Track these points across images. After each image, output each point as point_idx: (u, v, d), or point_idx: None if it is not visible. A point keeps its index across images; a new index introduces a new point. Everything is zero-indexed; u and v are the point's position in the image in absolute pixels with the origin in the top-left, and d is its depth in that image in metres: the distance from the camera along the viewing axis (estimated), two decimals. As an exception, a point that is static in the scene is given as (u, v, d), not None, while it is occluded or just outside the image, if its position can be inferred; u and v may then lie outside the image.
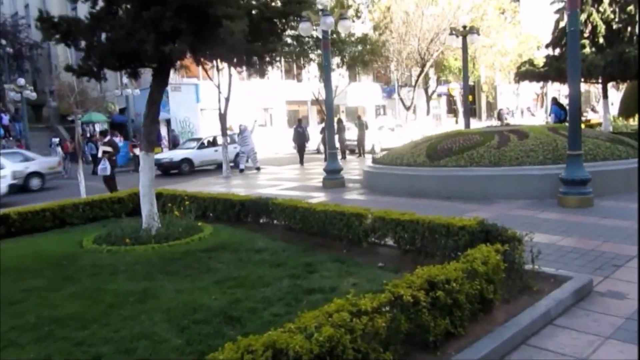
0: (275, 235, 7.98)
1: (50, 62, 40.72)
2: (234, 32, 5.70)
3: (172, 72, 22.65)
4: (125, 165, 27.34)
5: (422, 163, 11.82)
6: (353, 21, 21.99)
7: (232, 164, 22.24)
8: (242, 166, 21.04)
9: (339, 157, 22.43)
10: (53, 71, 41.15)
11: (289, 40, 20.47)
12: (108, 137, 15.40)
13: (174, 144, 30.64)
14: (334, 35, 20.72)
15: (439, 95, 46.55)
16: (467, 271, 4.31)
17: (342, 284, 5.43)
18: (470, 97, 47.53)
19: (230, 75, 19.34)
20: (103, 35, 6.62)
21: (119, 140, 28.59)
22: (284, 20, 7.47)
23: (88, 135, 31.15)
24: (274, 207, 8.27)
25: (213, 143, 24.41)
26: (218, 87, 19.87)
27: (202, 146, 24.14)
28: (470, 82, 44.55)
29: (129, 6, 6.33)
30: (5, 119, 30.47)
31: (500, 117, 33.93)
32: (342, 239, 7.20)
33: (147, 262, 6.38)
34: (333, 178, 13.83)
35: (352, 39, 21.99)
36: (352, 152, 24.71)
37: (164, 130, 31.86)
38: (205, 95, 30.49)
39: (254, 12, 6.83)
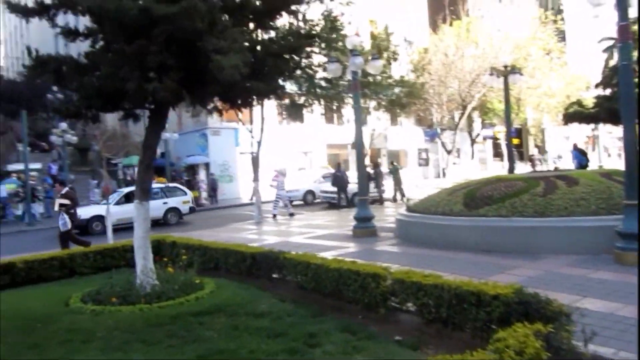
0: (286, 294, 7.05)
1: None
2: (224, 68, 4.98)
3: (211, 115, 22.33)
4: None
5: (459, 212, 10.70)
6: (390, 63, 21.43)
7: (161, 220, 20.16)
8: (275, 211, 20.27)
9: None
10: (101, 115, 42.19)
11: (323, 83, 20.00)
12: (66, 189, 13.16)
13: (212, 188, 30.35)
14: (369, 78, 20.14)
15: (484, 139, 45.09)
16: (495, 366, 3.26)
17: (347, 365, 4.45)
18: (517, 140, 45.86)
19: (262, 119, 18.87)
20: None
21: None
22: (293, 57, 6.72)
23: (129, 178, 31.20)
24: (286, 262, 7.36)
25: None
26: (250, 131, 19.40)
27: (120, 201, 19.94)
28: (517, 125, 42.99)
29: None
30: (54, 169, 30.92)
31: (532, 162, 31.67)
32: (358, 302, 6.20)
33: (129, 327, 5.55)
34: (363, 227, 12.83)
35: (389, 81, 21.27)
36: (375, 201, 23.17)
37: (202, 174, 31.72)
38: (245, 139, 30.13)
39: (258, 47, 6.13)
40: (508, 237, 9.56)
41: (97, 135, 30.64)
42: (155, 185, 22.73)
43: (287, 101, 21.04)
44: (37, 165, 29.12)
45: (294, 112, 21.40)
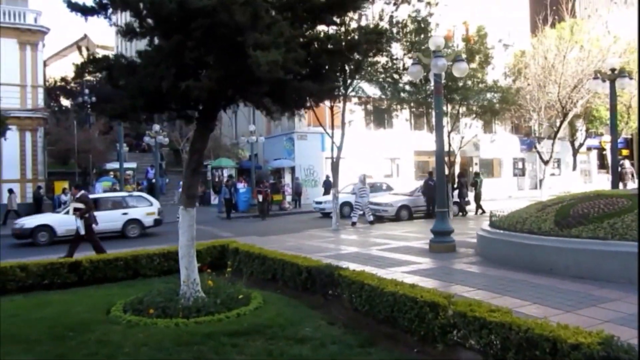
0: (338, 315, 6.37)
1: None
2: (261, 65, 4.41)
3: (298, 120, 21.82)
4: (246, 211, 27.31)
5: (549, 231, 9.47)
6: (483, 67, 20.05)
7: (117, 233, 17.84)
8: (354, 219, 19.62)
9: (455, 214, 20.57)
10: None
11: (408, 88, 19.09)
12: (81, 192, 12.59)
13: (296, 192, 30.19)
14: (459, 82, 18.95)
15: (589, 149, 41.66)
16: None
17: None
18: (626, 152, 41.90)
19: (342, 123, 18.29)
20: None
21: (242, 185, 28.77)
22: (355, 55, 6.01)
23: (216, 179, 31.88)
24: (340, 280, 6.68)
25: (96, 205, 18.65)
26: (331, 136, 18.87)
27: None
28: (627, 135, 39.24)
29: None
30: (151, 173, 32.16)
31: (622, 176, 26.73)
32: (414, 333, 5.39)
33: (158, 344, 5.11)
34: (441, 241, 11.82)
35: (481, 86, 19.90)
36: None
37: (288, 178, 31.70)
38: (331, 144, 29.76)
39: (315, 45, 5.50)
40: (605, 263, 8.26)
41: (189, 136, 31.63)
42: (116, 194, 20.89)
43: (369, 106, 20.32)
44: (133, 165, 30.42)
45: (379, 117, 20.56)
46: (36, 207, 26.71)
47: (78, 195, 12.43)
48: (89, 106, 32.13)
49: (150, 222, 18.85)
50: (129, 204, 18.76)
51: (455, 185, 21.25)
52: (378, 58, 17.88)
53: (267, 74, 4.51)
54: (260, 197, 25.25)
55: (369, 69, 17.63)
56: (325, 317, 6.25)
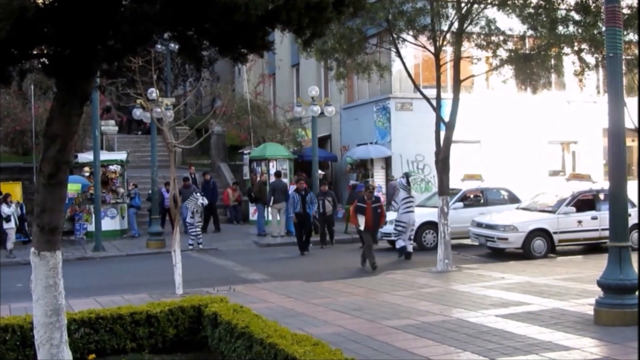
0: None
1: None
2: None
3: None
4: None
5: None
6: None
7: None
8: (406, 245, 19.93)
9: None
10: (236, 78, 43.20)
11: (576, 17, 17.43)
12: None
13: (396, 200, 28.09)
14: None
15: None
16: None
17: None
18: None
19: (457, 82, 16.99)
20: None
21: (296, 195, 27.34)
22: None
23: (257, 179, 30.79)
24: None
25: None
26: (435, 107, 17.71)
27: None
28: None
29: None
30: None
31: None
32: None
33: None
34: (616, 304, 10.47)
35: None
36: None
37: (379, 176, 30.17)
38: (462, 117, 27.38)
39: None
40: None
41: (217, 109, 30.84)
42: None
43: (501, 51, 18.66)
44: (121, 155, 30.08)
45: (523, 71, 18.70)
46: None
47: None
48: None
49: None
50: None
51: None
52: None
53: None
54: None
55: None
56: None
